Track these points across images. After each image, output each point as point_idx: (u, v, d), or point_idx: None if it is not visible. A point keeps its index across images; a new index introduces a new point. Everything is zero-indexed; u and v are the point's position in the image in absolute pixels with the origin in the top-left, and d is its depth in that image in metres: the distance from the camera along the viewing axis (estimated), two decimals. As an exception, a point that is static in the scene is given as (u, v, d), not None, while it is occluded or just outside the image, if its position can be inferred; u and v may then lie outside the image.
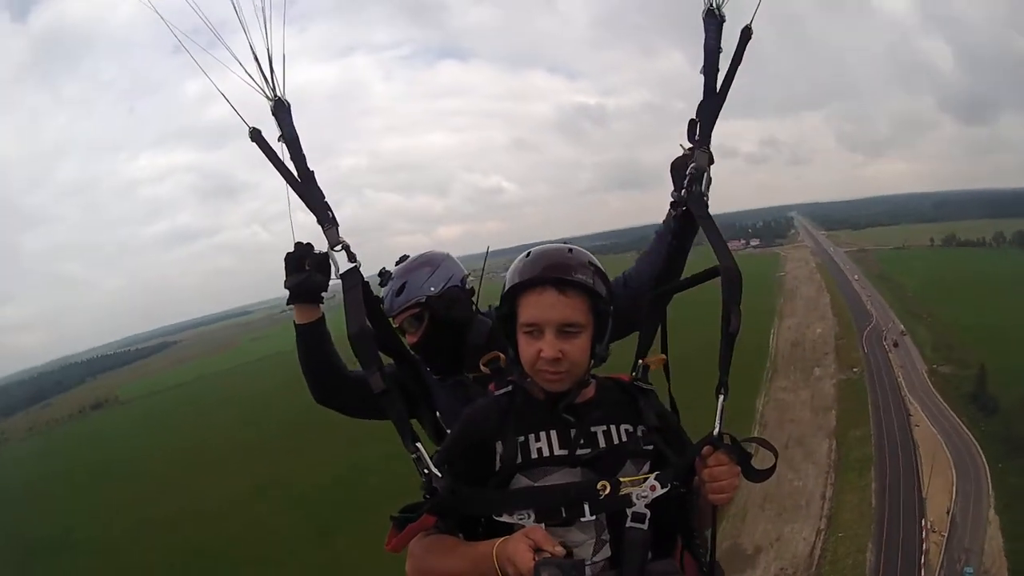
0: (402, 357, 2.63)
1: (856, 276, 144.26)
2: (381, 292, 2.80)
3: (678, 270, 2.38)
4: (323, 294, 2.42)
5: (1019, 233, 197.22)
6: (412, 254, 2.92)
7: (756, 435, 1.98)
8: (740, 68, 2.18)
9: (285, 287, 2.35)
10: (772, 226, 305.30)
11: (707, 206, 2.16)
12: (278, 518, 52.82)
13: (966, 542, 47.60)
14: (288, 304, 2.42)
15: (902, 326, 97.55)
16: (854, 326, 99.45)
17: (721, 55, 2.18)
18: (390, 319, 2.71)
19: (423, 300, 2.73)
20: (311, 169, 2.12)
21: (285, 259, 2.34)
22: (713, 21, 2.12)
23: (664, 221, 2.48)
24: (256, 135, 2.09)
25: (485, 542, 1.81)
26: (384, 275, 2.85)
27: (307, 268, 2.32)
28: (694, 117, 2.19)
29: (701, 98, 2.17)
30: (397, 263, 2.90)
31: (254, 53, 2.00)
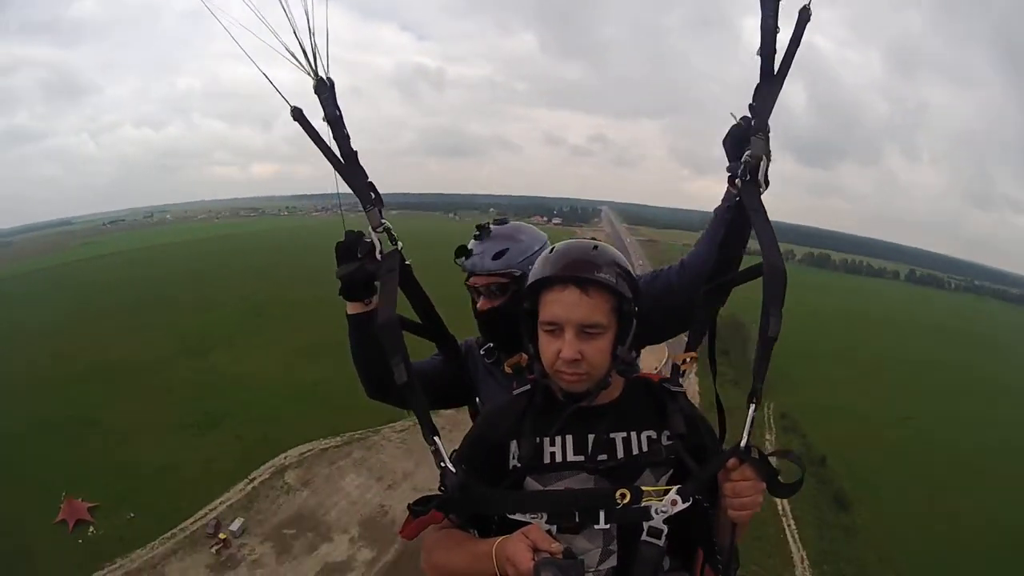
0: (444, 342, 2.62)
1: (628, 240, 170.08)
2: (471, 244, 2.62)
3: (733, 262, 2.17)
4: (376, 283, 2.20)
5: (809, 254, 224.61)
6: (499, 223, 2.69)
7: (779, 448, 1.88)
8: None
9: (337, 277, 2.22)
10: (578, 212, 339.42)
11: (762, 187, 1.96)
12: (155, 345, 60.36)
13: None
14: (339, 294, 2.29)
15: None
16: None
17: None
18: (471, 274, 2.59)
19: (517, 274, 2.47)
20: (355, 149, 2.06)
21: (336, 248, 2.21)
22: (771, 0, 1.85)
23: (723, 199, 2.19)
24: (298, 114, 2.01)
25: (487, 540, 1.81)
26: (482, 230, 2.65)
27: (359, 257, 2.16)
28: (751, 102, 1.93)
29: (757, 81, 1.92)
30: (495, 222, 2.70)
31: (295, 30, 1.91)
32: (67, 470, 36.08)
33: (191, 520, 33.49)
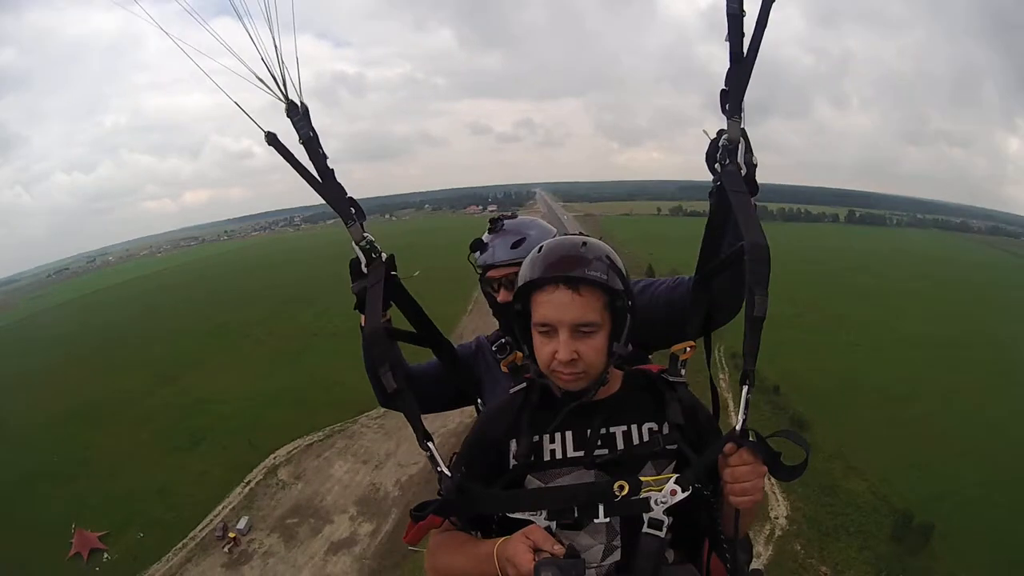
0: (440, 348, 2.54)
1: (566, 217, 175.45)
2: (486, 237, 2.68)
3: (720, 248, 2.11)
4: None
5: None
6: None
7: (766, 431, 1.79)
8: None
9: (352, 292, 2.19)
10: (513, 196, 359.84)
11: (753, 176, 1.93)
12: (126, 380, 61.65)
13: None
14: (355, 309, 2.25)
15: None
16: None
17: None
18: (490, 266, 2.65)
19: None
20: (331, 167, 2.06)
21: (350, 264, 2.18)
22: None
23: None
24: (272, 139, 2.04)
25: (488, 541, 1.82)
26: (496, 223, 2.71)
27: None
28: (724, 87, 1.91)
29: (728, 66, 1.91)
30: (504, 216, 2.77)
31: (263, 57, 1.93)
32: (68, 508, 37.70)
33: (199, 528, 35.88)
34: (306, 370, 59.32)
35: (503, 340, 2.62)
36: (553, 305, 1.78)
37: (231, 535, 34.28)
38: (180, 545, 34.60)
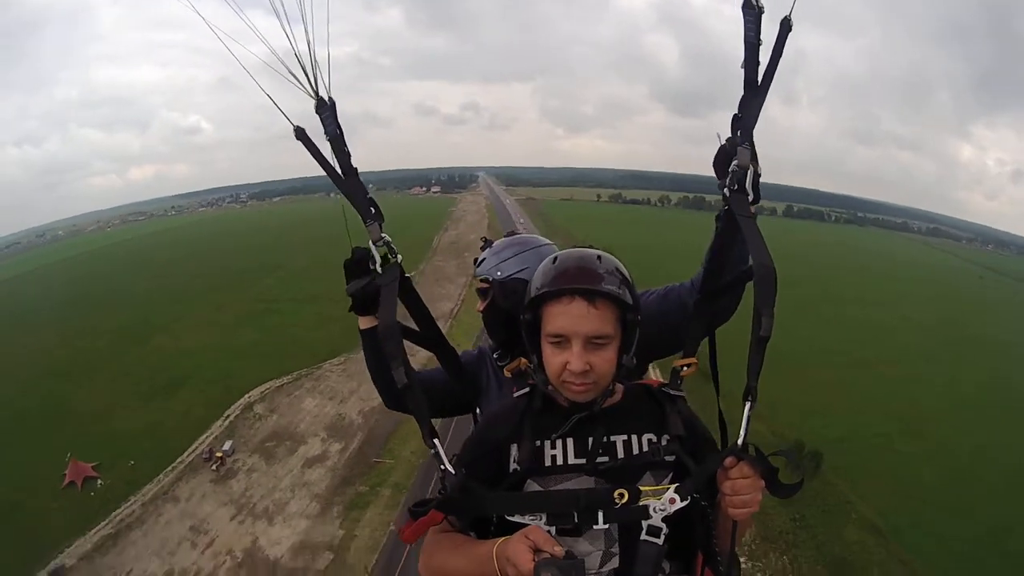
0: (443, 352, 2.58)
1: (508, 200, 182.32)
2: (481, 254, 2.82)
3: (724, 269, 2.18)
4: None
5: (684, 198, 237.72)
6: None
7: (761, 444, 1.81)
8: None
9: (348, 294, 2.26)
10: (456, 179, 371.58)
11: (759, 198, 1.96)
12: (99, 341, 64.60)
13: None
14: (350, 311, 2.34)
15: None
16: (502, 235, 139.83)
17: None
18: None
19: (489, 280, 2.66)
20: (355, 166, 2.09)
21: (344, 265, 2.23)
22: (752, 12, 1.88)
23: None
24: (301, 133, 2.04)
25: (487, 541, 1.82)
26: (485, 242, 2.84)
27: (371, 269, 2.18)
28: (736, 112, 1.95)
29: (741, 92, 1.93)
30: (507, 235, 2.88)
31: (295, 52, 1.96)
32: (60, 448, 40.71)
33: (186, 454, 40.38)
34: (269, 329, 64.08)
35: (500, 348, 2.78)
36: (570, 317, 1.79)
37: (218, 455, 39.03)
38: (170, 468, 38.72)
